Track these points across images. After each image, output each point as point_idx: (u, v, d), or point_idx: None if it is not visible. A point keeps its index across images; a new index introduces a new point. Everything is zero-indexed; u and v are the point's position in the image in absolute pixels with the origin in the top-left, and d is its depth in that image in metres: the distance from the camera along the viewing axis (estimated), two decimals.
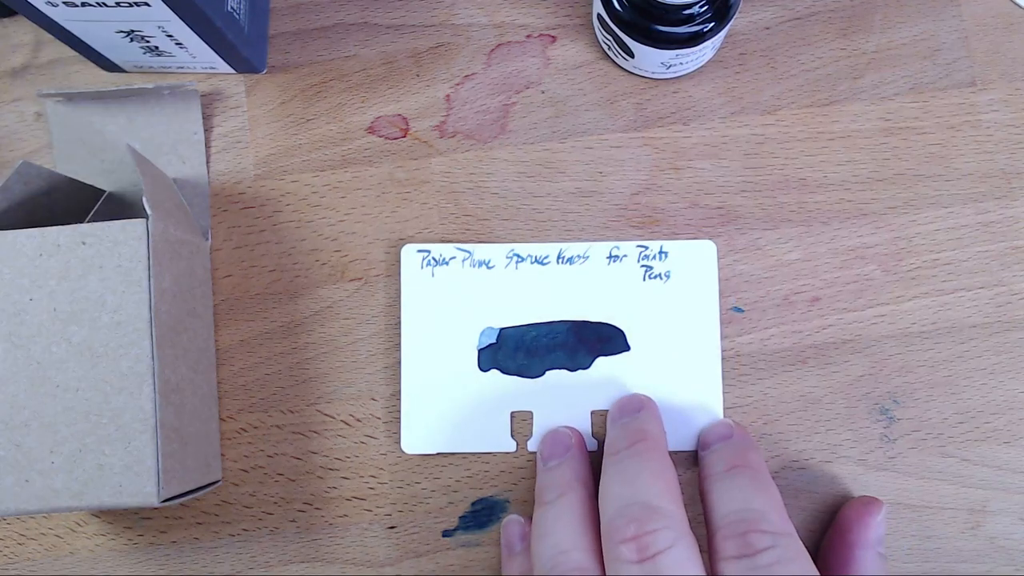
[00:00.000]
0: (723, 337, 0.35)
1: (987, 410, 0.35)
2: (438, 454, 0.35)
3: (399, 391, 0.35)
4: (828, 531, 0.34)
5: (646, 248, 0.35)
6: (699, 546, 0.28)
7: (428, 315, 0.35)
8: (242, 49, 0.35)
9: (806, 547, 0.28)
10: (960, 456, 0.35)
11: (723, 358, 0.35)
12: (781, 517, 0.29)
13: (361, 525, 0.35)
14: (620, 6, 0.33)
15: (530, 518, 0.34)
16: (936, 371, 0.35)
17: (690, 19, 0.32)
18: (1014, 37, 0.36)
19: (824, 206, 0.36)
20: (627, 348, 0.35)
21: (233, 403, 0.36)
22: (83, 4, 0.30)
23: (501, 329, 0.35)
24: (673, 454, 0.34)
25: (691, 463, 0.35)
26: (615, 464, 0.31)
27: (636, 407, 0.33)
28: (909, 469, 0.35)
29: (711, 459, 0.32)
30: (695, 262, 0.35)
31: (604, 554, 0.29)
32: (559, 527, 0.30)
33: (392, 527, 0.35)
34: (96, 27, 0.32)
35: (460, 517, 0.35)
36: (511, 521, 0.34)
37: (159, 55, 0.35)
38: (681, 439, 0.34)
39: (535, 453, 0.34)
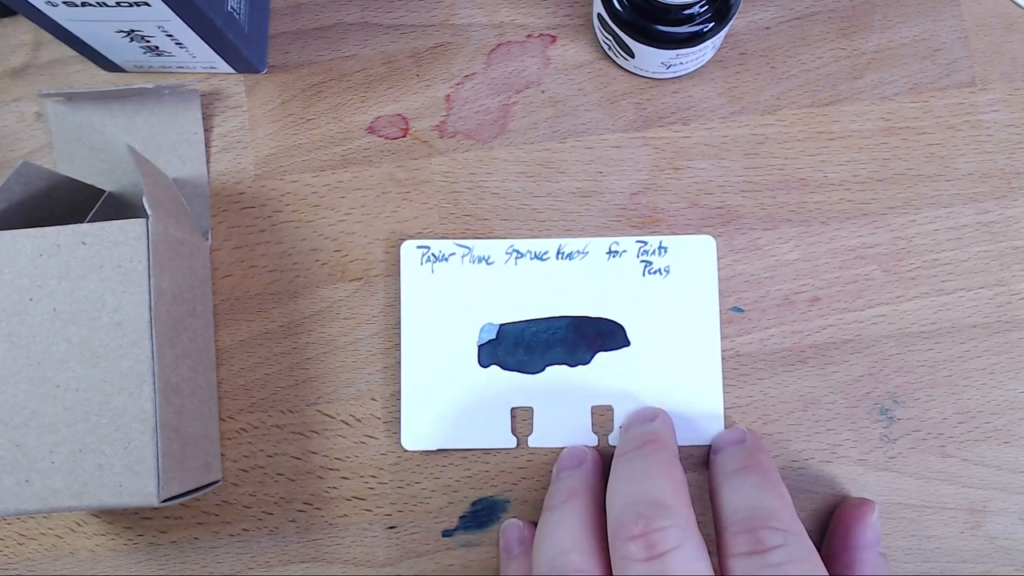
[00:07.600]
0: (723, 337, 0.35)
1: (987, 410, 0.35)
2: (438, 453, 0.35)
3: (399, 391, 0.35)
4: (825, 536, 0.34)
5: (645, 243, 0.35)
6: (707, 548, 0.28)
7: (428, 311, 0.35)
8: (242, 49, 0.35)
9: None
10: (960, 456, 0.35)
11: (723, 358, 0.35)
12: (791, 516, 0.29)
13: (361, 525, 0.35)
14: (620, 6, 0.33)
15: (530, 521, 0.34)
16: (936, 371, 0.35)
17: (690, 19, 0.32)
18: (1014, 37, 0.36)
19: (824, 206, 0.36)
20: (627, 343, 0.35)
21: (233, 403, 0.36)
22: (83, 4, 0.30)
23: (501, 325, 0.35)
24: (681, 457, 0.34)
25: (699, 465, 0.35)
26: (624, 463, 0.31)
27: (650, 416, 0.33)
28: (909, 469, 0.35)
29: (722, 460, 0.32)
30: (694, 257, 0.35)
31: (611, 552, 0.28)
32: (561, 529, 0.30)
33: (392, 527, 0.35)
34: (96, 27, 0.32)
35: (460, 517, 0.35)
36: (510, 525, 0.34)
37: (159, 55, 0.35)
38: (683, 434, 0.34)
39: (536, 451, 0.34)
